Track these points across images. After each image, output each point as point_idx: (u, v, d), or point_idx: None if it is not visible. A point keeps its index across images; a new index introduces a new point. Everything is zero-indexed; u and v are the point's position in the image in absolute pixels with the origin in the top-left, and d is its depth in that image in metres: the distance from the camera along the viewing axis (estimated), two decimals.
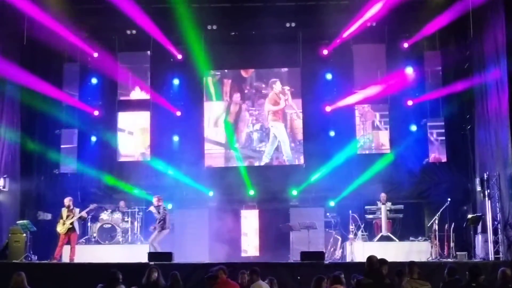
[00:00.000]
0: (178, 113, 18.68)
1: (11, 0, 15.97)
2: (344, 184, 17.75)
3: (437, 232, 15.47)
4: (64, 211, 15.15)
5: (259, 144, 18.90)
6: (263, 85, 19.04)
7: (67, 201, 15.29)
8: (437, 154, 17.91)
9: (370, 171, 17.81)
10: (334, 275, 9.45)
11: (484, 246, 15.13)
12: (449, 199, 16.12)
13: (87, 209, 15.61)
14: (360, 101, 18.36)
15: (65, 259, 15.09)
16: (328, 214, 17.72)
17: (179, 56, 18.57)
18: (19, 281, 9.88)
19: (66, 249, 15.24)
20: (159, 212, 15.67)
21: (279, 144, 18.83)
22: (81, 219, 15.42)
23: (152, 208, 15.96)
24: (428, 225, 16.46)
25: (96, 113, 18.59)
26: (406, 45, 18.07)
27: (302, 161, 18.67)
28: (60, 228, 15.06)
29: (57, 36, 17.58)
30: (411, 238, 16.19)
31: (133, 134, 18.69)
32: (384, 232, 16.14)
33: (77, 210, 15.27)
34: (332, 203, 17.97)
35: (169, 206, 18.21)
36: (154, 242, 15.36)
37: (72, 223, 15.04)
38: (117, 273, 9.78)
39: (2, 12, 16.14)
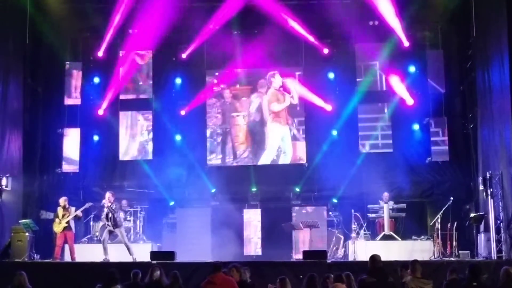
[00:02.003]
0: (183, 112, 18.66)
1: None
2: (347, 183, 17.77)
3: (439, 231, 15.44)
4: (60, 211, 15.19)
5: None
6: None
7: (63, 201, 15.32)
8: (439, 153, 17.89)
9: (372, 170, 17.85)
10: (336, 274, 9.46)
11: (487, 245, 15.10)
12: (451, 198, 16.12)
13: (83, 208, 15.56)
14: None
15: (67, 258, 15.10)
16: (330, 213, 17.75)
17: (184, 55, 18.51)
18: (21, 281, 9.91)
19: (66, 249, 15.29)
20: (114, 209, 14.97)
21: (279, 150, 18.70)
22: (76, 217, 15.40)
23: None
24: (431, 224, 16.44)
25: (100, 112, 18.60)
26: (407, 43, 18.01)
27: (304, 160, 18.64)
28: (57, 228, 15.11)
29: (60, 36, 17.69)
30: (413, 237, 16.17)
31: (135, 133, 18.68)
32: (387, 231, 16.11)
33: (72, 209, 15.31)
34: (335, 200, 18.00)
35: (171, 204, 18.27)
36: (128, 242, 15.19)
37: (68, 222, 15.07)
38: (114, 273, 9.76)
39: (4, 11, 16.14)
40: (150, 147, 18.54)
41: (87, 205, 15.87)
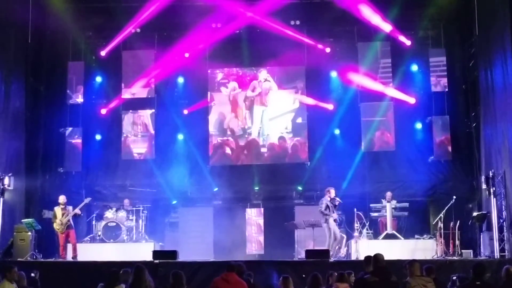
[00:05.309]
0: (185, 112, 18.66)
1: None
2: (349, 182, 17.76)
3: (442, 230, 15.41)
4: (58, 210, 15.20)
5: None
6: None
7: (62, 199, 15.35)
8: (442, 152, 17.87)
9: (375, 169, 17.83)
10: (339, 273, 9.43)
11: (490, 244, 15.10)
12: (454, 197, 16.07)
13: (82, 204, 15.56)
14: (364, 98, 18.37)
15: (69, 257, 15.10)
16: None
17: (186, 55, 18.48)
18: None
19: (69, 248, 15.27)
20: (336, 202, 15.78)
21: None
22: (76, 215, 15.40)
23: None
24: (433, 223, 16.43)
25: (103, 111, 18.60)
26: (409, 42, 17.98)
27: (307, 159, 18.62)
28: (58, 227, 15.12)
29: (62, 35, 17.69)
30: (416, 236, 16.16)
31: (137, 132, 18.68)
32: (389, 230, 16.10)
33: (70, 207, 15.32)
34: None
35: (174, 203, 18.27)
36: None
37: (69, 220, 15.08)
38: (117, 272, 9.74)
39: (6, 10, 16.14)
40: (152, 146, 18.52)
41: (86, 200, 15.89)
